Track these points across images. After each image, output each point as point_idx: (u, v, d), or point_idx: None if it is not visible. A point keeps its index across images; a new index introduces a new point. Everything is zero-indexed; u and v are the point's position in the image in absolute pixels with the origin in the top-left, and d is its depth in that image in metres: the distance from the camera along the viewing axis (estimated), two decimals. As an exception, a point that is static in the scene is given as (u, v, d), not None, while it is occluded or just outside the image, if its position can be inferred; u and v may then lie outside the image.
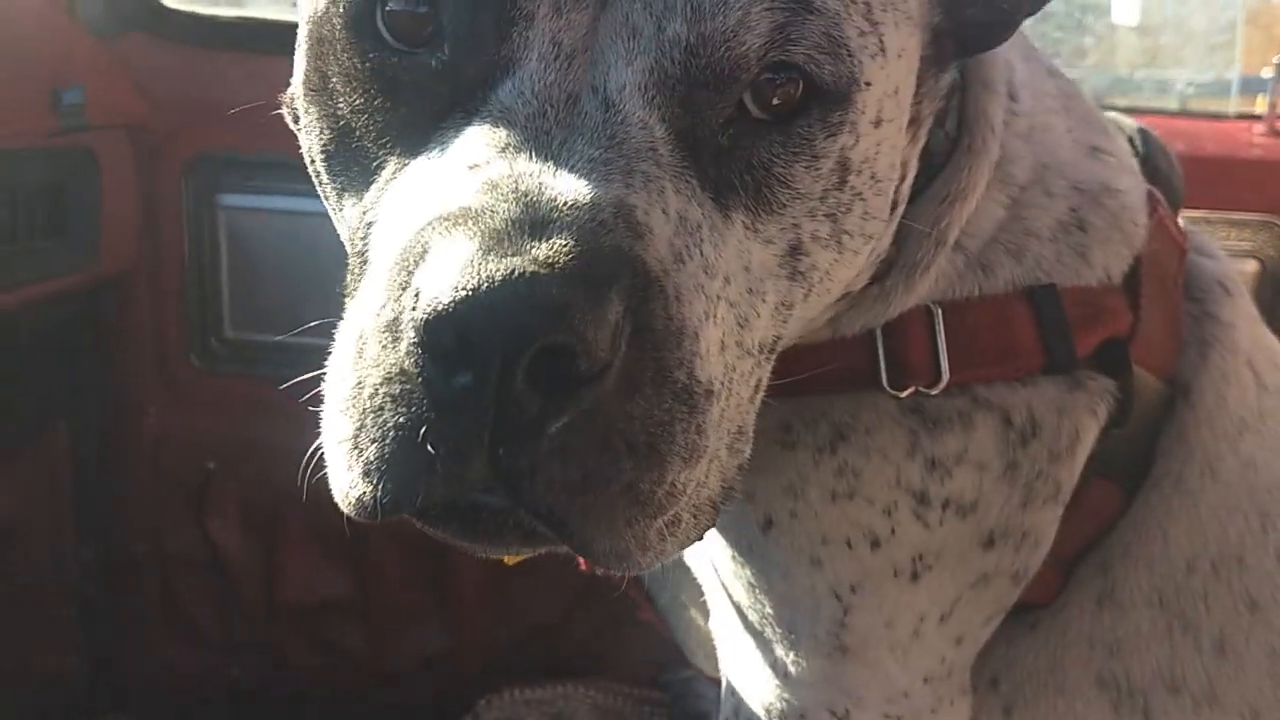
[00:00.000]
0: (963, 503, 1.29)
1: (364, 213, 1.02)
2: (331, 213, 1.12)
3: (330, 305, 1.00)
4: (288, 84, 1.15)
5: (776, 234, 1.03)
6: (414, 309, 0.81)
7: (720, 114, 0.98)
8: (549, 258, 0.81)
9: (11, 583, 2.43)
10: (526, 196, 0.85)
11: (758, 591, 1.36)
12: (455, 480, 0.84)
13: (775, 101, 1.00)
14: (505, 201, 0.84)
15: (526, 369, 0.79)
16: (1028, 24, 1.23)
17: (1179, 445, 1.37)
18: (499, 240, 0.81)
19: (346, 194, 1.05)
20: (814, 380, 1.27)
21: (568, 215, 0.84)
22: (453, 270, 0.80)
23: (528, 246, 0.81)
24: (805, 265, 1.06)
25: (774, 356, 1.11)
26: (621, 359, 0.84)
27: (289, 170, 2.51)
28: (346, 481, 0.88)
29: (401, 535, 2.51)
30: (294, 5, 1.14)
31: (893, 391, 1.28)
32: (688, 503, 0.95)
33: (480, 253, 0.80)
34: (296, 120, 1.14)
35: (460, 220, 0.83)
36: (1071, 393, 1.30)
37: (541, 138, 0.90)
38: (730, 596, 1.42)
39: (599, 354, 0.81)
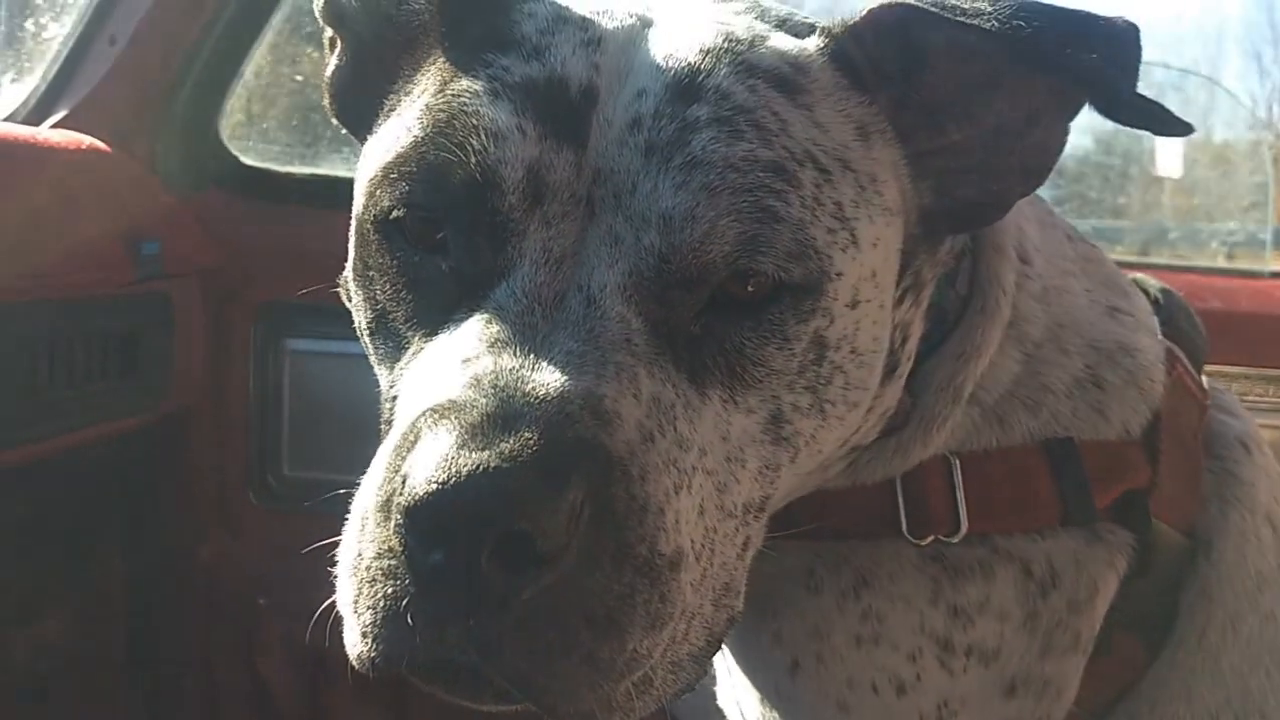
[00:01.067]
0: (985, 650, 1.32)
1: (391, 385, 1.15)
2: (379, 377, 1.23)
3: (379, 446, 1.09)
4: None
5: (757, 404, 1.10)
6: (401, 494, 0.92)
7: (692, 307, 1.07)
8: (513, 451, 0.90)
9: (68, 712, 2.46)
10: (504, 391, 0.95)
11: None
12: (435, 644, 0.94)
13: (749, 289, 1.08)
14: (485, 396, 0.95)
15: (493, 550, 0.89)
16: (1069, 181, 1.29)
17: (1202, 602, 1.40)
18: (474, 434, 0.91)
19: (383, 365, 1.17)
20: (836, 526, 1.34)
21: (537, 409, 0.94)
22: (431, 462, 0.90)
23: (497, 440, 0.91)
24: (788, 431, 1.13)
25: (764, 515, 1.17)
26: (581, 538, 0.92)
27: (349, 318, 2.64)
28: (351, 639, 1.00)
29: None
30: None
31: (913, 539, 1.32)
32: (662, 660, 1.02)
33: (456, 447, 0.91)
34: (350, 299, 1.27)
35: (445, 414, 0.94)
36: (1090, 545, 1.34)
37: (528, 332, 1.01)
38: (759, 740, 1.44)
39: (555, 537, 0.90)
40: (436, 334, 1.09)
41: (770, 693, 1.39)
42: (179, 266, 2.46)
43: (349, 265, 1.25)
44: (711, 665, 1.18)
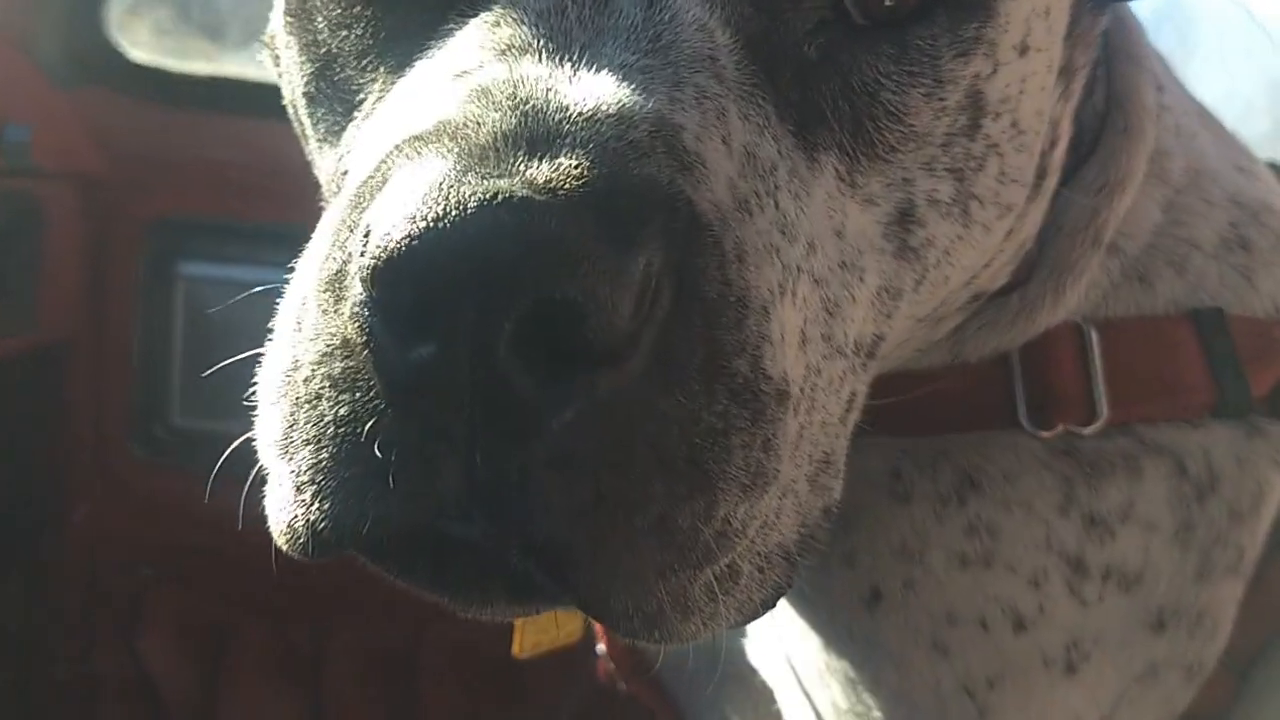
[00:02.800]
0: (1126, 572, 1.06)
1: (340, 158, 0.82)
2: (317, 174, 0.90)
3: None
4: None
5: (881, 191, 0.82)
6: (361, 254, 0.60)
7: (808, 15, 0.77)
8: (551, 181, 0.60)
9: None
10: (528, 104, 0.65)
11: (860, 690, 1.10)
12: (415, 498, 0.62)
13: (887, 3, 0.78)
14: (496, 111, 0.64)
15: (514, 335, 0.58)
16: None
17: None
18: (481, 158, 0.61)
19: (328, 140, 0.85)
20: (930, 414, 1.06)
21: (583, 129, 0.63)
22: (413, 197, 0.59)
23: (521, 166, 0.61)
24: (919, 239, 0.85)
25: (874, 363, 0.89)
26: (656, 332, 0.63)
27: (259, 238, 2.35)
28: (278, 498, 0.69)
29: (364, 653, 2.30)
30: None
31: (1034, 430, 1.05)
32: (749, 549, 0.73)
33: (455, 172, 0.60)
34: (278, 63, 0.95)
35: (433, 138, 0.63)
36: (1250, 440, 1.09)
37: (558, 38, 0.70)
38: (815, 704, 1.15)
39: (619, 320, 0.59)
40: (410, 64, 0.76)
41: (840, 633, 1.10)
42: (52, 164, 2.16)
43: (277, 8, 0.92)
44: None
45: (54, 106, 2.22)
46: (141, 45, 2.45)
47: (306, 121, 0.88)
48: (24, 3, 2.25)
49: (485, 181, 0.59)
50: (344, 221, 0.66)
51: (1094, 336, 1.06)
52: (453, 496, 0.62)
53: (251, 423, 0.77)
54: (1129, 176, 1.08)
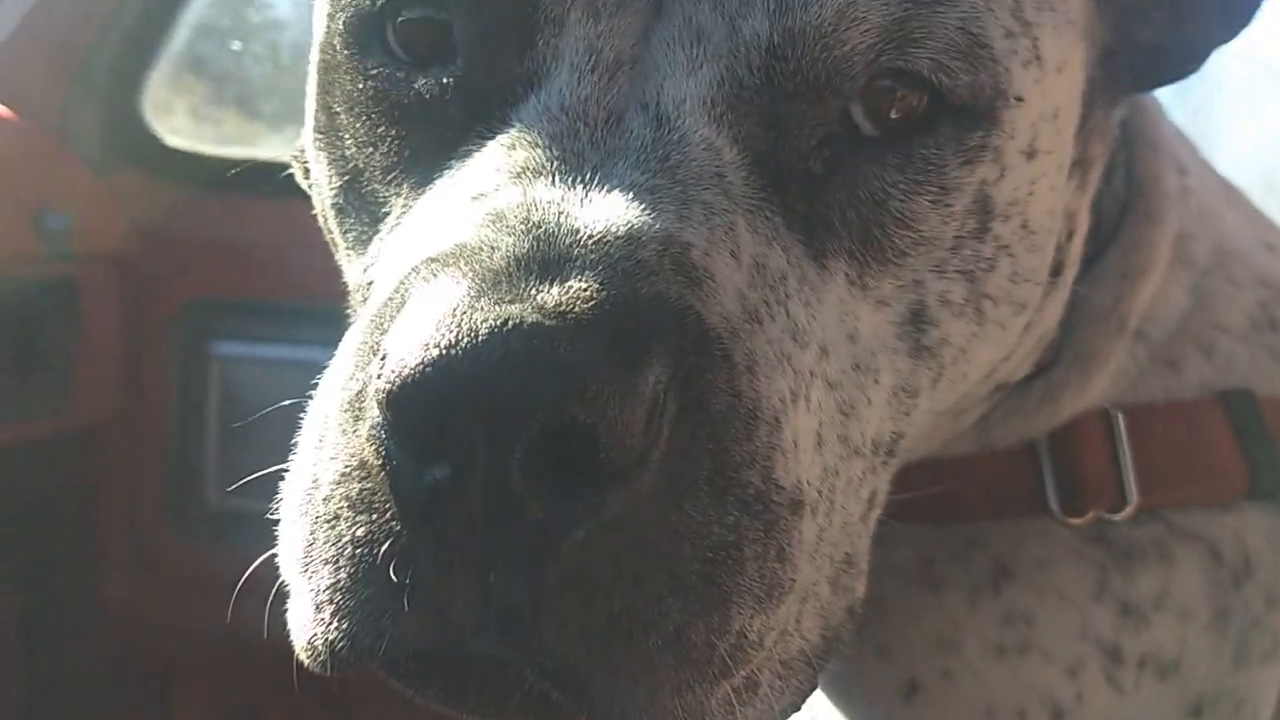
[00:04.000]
0: (1163, 660, 1.04)
1: (366, 269, 0.83)
2: (346, 280, 0.92)
3: None
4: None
5: (893, 292, 0.82)
6: (379, 377, 0.61)
7: (814, 131, 0.78)
8: (561, 304, 0.61)
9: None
10: (540, 228, 0.66)
11: None
12: (432, 618, 0.63)
13: (893, 114, 0.79)
14: (510, 235, 0.66)
15: (526, 458, 0.59)
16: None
17: None
18: (495, 283, 0.62)
19: (355, 249, 0.87)
20: (960, 502, 1.05)
21: (593, 252, 0.65)
22: (428, 321, 0.60)
23: (532, 290, 0.62)
24: (933, 338, 0.84)
25: (894, 461, 0.88)
26: (665, 449, 0.63)
27: (293, 316, 2.36)
28: (299, 616, 0.69)
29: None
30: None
31: (1064, 517, 1.04)
32: (768, 659, 0.73)
33: (468, 298, 0.61)
34: (307, 176, 0.97)
35: (450, 260, 0.65)
36: None
37: (570, 159, 0.72)
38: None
39: (629, 440, 0.60)
40: (433, 180, 0.78)
41: None
42: (91, 249, 2.17)
43: (306, 128, 0.95)
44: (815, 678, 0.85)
45: (91, 192, 2.24)
46: (178, 123, 2.49)
47: (336, 231, 0.90)
48: (62, 90, 2.28)
49: (497, 307, 0.60)
50: (364, 343, 0.67)
51: (1122, 422, 1.05)
52: (469, 618, 0.62)
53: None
54: (1152, 263, 1.07)
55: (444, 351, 0.58)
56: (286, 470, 0.74)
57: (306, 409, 0.78)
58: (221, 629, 2.25)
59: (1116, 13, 0.95)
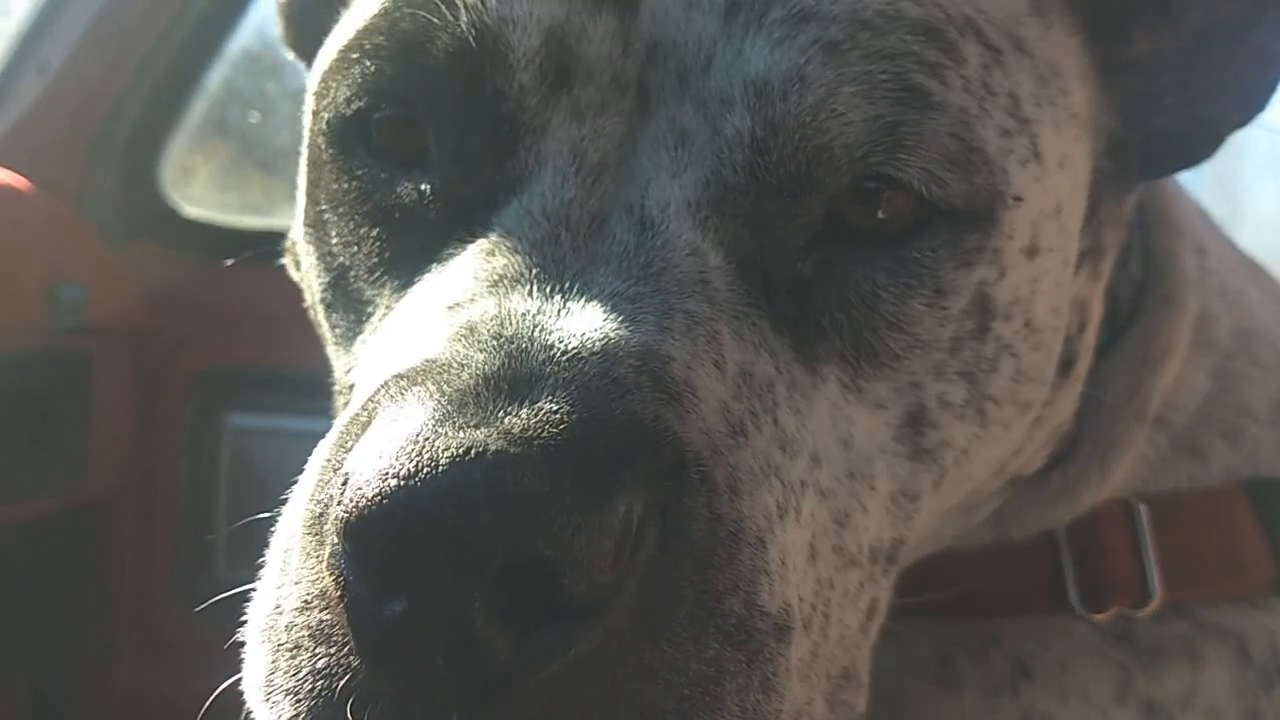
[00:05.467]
0: None
1: (347, 371, 0.82)
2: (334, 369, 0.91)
3: None
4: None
5: (889, 395, 0.79)
6: (339, 503, 0.59)
7: (800, 231, 0.76)
8: (528, 429, 0.58)
9: None
10: (512, 344, 0.64)
11: None
12: None
13: (881, 213, 0.77)
14: (481, 351, 0.64)
15: (488, 594, 0.57)
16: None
17: None
18: (461, 405, 0.60)
19: (341, 347, 0.85)
20: (977, 598, 1.01)
21: (566, 370, 0.63)
22: (389, 446, 0.58)
23: (499, 413, 0.59)
24: (933, 441, 0.81)
25: (895, 567, 0.85)
26: (640, 581, 0.60)
27: (304, 386, 2.35)
28: None
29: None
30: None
31: (1085, 613, 1.01)
32: None
33: (432, 423, 0.59)
34: (298, 268, 0.96)
35: (417, 378, 0.63)
36: None
37: (550, 267, 0.70)
38: None
39: (596, 576, 0.58)
40: (413, 285, 0.77)
41: None
42: (104, 321, 2.18)
43: (296, 220, 0.94)
44: None
45: (105, 263, 2.24)
46: (199, 190, 2.50)
47: (325, 325, 0.89)
48: (78, 161, 2.29)
49: (460, 433, 0.57)
50: (329, 461, 0.65)
51: (1144, 513, 1.02)
52: None
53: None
54: (1171, 348, 1.04)
55: (402, 482, 0.56)
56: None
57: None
58: (235, 706, 2.24)
59: (1127, 100, 0.93)
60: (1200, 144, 0.97)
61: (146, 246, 2.37)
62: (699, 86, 0.74)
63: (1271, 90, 0.95)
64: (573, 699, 0.58)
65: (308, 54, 1.02)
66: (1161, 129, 0.95)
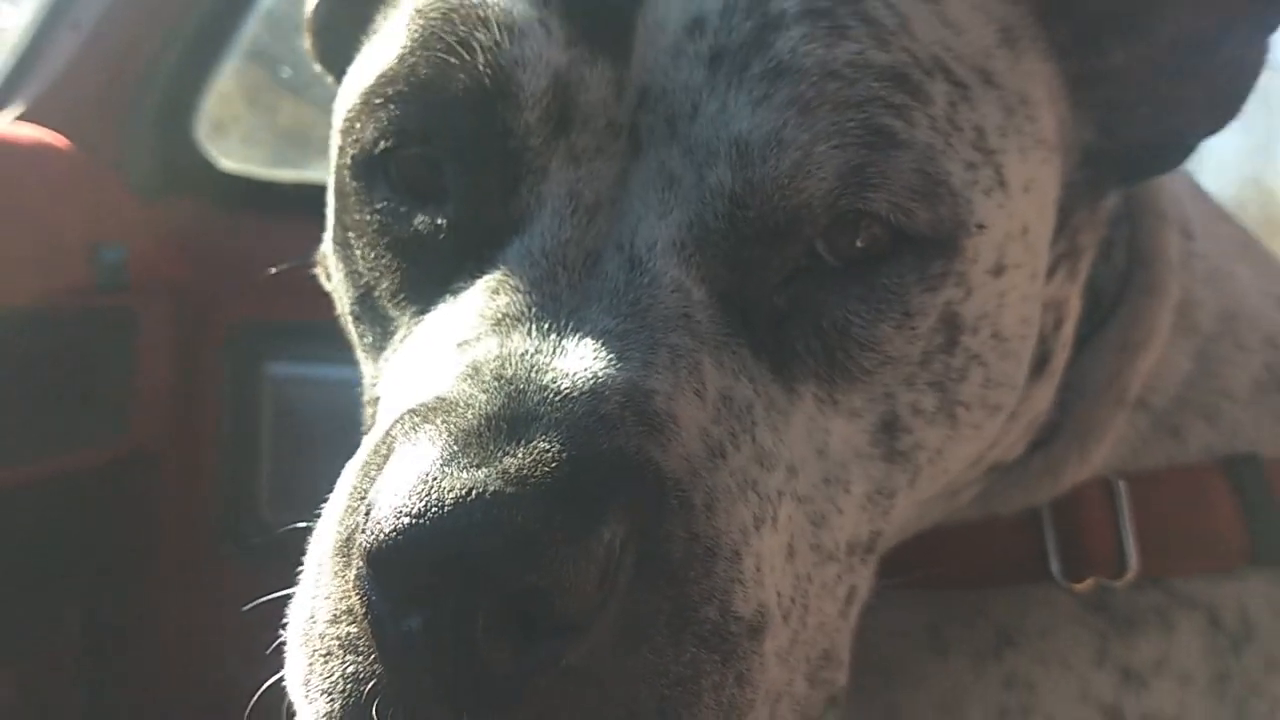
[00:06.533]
0: None
1: (373, 383, 0.91)
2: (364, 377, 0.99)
3: None
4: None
5: (863, 405, 0.85)
6: (364, 530, 0.68)
7: (777, 272, 0.81)
8: (521, 470, 0.66)
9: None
10: (512, 385, 0.72)
11: None
12: None
13: (858, 242, 0.82)
14: (484, 392, 0.72)
15: (492, 614, 0.65)
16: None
17: None
18: (466, 445, 0.68)
19: (368, 357, 0.93)
20: (964, 569, 1.08)
21: (558, 410, 0.70)
22: (403, 485, 0.67)
23: (499, 454, 0.67)
24: (906, 444, 0.87)
25: (873, 556, 0.92)
26: (623, 598, 0.68)
27: (341, 337, 2.41)
28: None
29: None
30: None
31: (1066, 583, 1.06)
32: None
33: (439, 463, 0.67)
34: (329, 278, 1.03)
35: (428, 416, 0.71)
36: None
37: (548, 305, 0.77)
38: None
39: (584, 596, 0.66)
40: (430, 311, 0.84)
41: None
42: (145, 278, 2.23)
43: (327, 235, 1.01)
44: None
45: (144, 221, 2.29)
46: (229, 155, 2.54)
47: (354, 334, 0.95)
48: (114, 119, 2.33)
49: (463, 474, 0.65)
50: (355, 489, 0.72)
51: (1123, 490, 1.06)
52: None
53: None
54: (1151, 335, 1.08)
55: (414, 520, 0.64)
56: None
57: (355, 426, 0.89)
58: (279, 646, 2.31)
59: (1102, 112, 0.96)
60: (1172, 153, 1.00)
61: (183, 201, 2.41)
62: (686, 133, 0.79)
63: (1240, 101, 0.98)
64: (565, 702, 0.66)
65: (332, 68, 1.09)
66: (1135, 138, 0.98)
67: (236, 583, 2.34)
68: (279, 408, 2.41)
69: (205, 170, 2.48)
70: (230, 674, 2.37)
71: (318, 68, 1.15)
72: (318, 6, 1.12)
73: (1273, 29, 0.96)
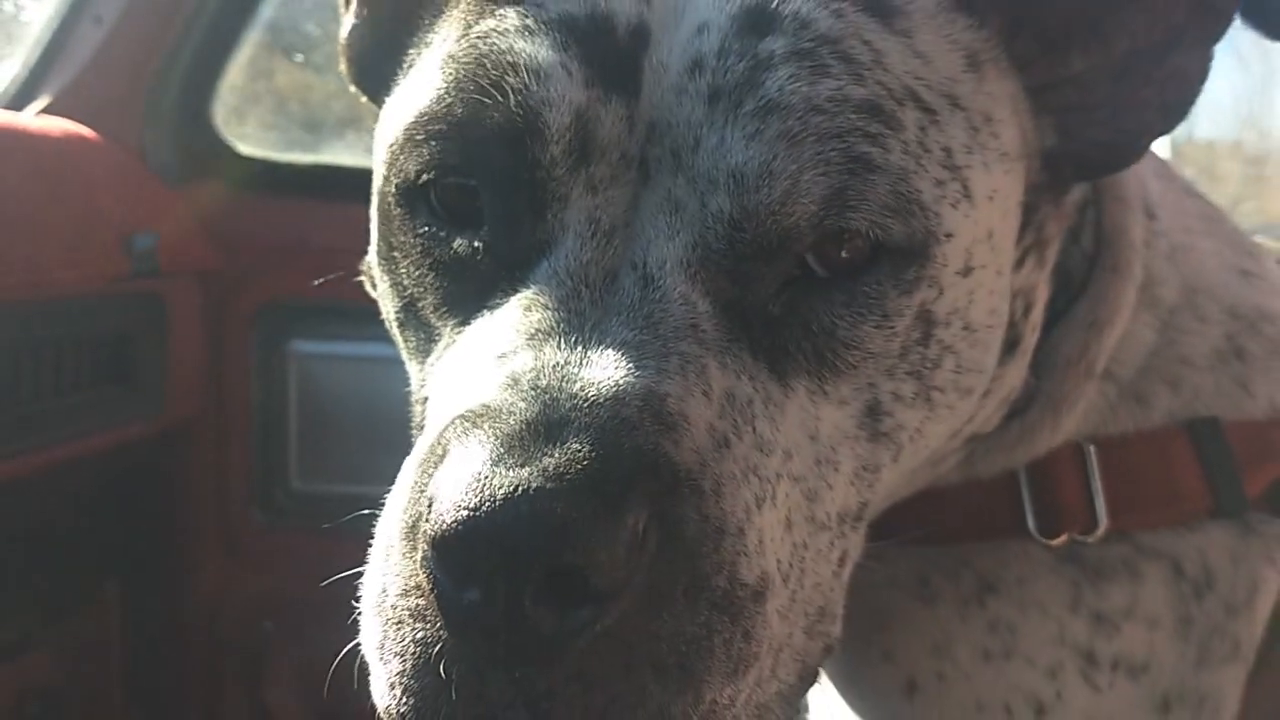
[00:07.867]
0: (1133, 662, 1.16)
1: (421, 385, 1.01)
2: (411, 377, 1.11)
3: (404, 455, 0.96)
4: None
5: (850, 394, 0.96)
6: (427, 519, 0.80)
7: (771, 283, 0.92)
8: (558, 468, 0.78)
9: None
10: (546, 394, 0.83)
11: None
12: (474, 701, 0.81)
13: (843, 255, 0.93)
14: (524, 400, 0.83)
15: (538, 587, 0.77)
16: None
17: None
18: (510, 447, 0.79)
19: (414, 360, 1.04)
20: (948, 528, 1.19)
21: (586, 414, 0.81)
22: (460, 483, 0.78)
23: (539, 455, 0.79)
24: (888, 425, 0.99)
25: (863, 523, 1.03)
26: (647, 571, 0.80)
27: (362, 316, 2.49)
28: (378, 688, 0.87)
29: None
30: (368, 151, 1.15)
31: (1043, 539, 1.16)
32: (746, 707, 0.90)
33: (489, 463, 0.78)
34: (375, 286, 1.13)
35: (477, 421, 0.82)
36: (1245, 539, 1.18)
37: (574, 320, 0.88)
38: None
39: (613, 571, 0.78)
40: (470, 323, 0.95)
41: (883, 719, 1.22)
42: (175, 263, 2.31)
43: (372, 248, 1.10)
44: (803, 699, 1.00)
45: (171, 207, 2.35)
46: (246, 140, 2.61)
47: (399, 339, 1.06)
48: (138, 109, 2.40)
49: (510, 473, 0.77)
50: (416, 483, 0.83)
51: (1093, 454, 1.16)
52: (500, 702, 0.79)
53: (363, 483, 0.91)
54: (1117, 312, 1.17)
55: (470, 512, 0.76)
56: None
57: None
58: (308, 605, 2.39)
59: (1064, 115, 1.06)
60: (1126, 152, 1.10)
61: (205, 185, 2.48)
62: (689, 164, 0.90)
63: (1189, 106, 1.07)
64: (600, 657, 0.78)
65: (369, 91, 1.18)
66: (1093, 139, 1.07)
67: (269, 548, 2.46)
68: (304, 383, 2.50)
69: (225, 154, 2.55)
70: (264, 637, 2.49)
71: (353, 88, 1.23)
72: (351, 34, 1.20)
73: (1216, 41, 1.05)
